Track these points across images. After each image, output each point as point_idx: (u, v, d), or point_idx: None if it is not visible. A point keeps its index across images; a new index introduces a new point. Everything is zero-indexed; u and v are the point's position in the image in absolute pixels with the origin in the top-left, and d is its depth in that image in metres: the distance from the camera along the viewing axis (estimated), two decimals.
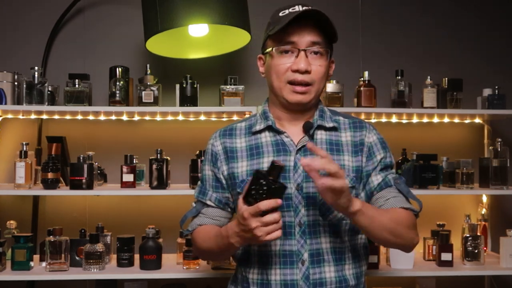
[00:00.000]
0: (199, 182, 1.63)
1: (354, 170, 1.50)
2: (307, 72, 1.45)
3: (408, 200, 1.50)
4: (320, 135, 1.52)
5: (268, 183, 1.27)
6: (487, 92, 2.61)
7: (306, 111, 1.53)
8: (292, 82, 1.46)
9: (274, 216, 1.28)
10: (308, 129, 1.49)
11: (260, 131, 1.54)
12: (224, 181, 1.55)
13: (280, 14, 1.46)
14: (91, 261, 2.26)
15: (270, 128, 1.53)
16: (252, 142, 1.54)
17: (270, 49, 1.48)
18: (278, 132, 1.52)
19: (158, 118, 2.65)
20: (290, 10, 1.45)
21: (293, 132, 1.52)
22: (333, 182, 1.25)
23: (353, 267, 1.50)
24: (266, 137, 1.53)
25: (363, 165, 1.51)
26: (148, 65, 2.48)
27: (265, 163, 1.48)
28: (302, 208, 1.46)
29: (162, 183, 2.37)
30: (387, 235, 1.41)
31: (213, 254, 1.57)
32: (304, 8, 1.43)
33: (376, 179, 1.51)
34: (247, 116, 2.46)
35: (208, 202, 1.58)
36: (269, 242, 1.45)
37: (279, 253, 1.46)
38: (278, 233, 1.29)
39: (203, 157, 1.66)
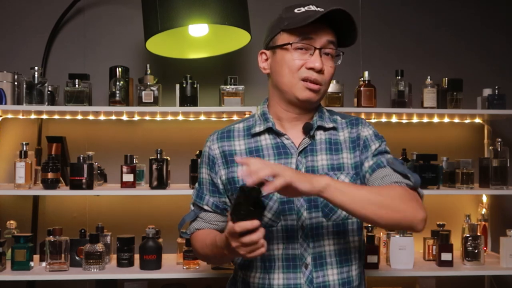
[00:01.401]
0: (196, 184, 1.61)
1: (353, 167, 1.48)
2: (320, 71, 1.44)
3: (407, 178, 1.41)
4: (320, 135, 1.51)
5: (247, 204, 1.23)
6: (487, 92, 2.61)
7: (308, 112, 1.52)
8: (306, 79, 1.44)
9: (252, 237, 1.23)
10: (308, 130, 1.49)
11: (259, 133, 1.52)
12: (221, 186, 1.53)
13: (296, 11, 1.46)
14: (91, 261, 2.26)
15: (270, 130, 1.51)
16: (252, 145, 1.51)
17: (286, 43, 1.45)
18: (278, 134, 1.51)
19: (158, 118, 2.65)
20: (306, 8, 1.45)
21: (294, 134, 1.51)
22: (276, 184, 1.22)
23: (357, 267, 1.50)
24: (266, 140, 1.51)
25: (359, 159, 1.49)
26: (148, 65, 2.48)
27: None
28: (304, 212, 1.44)
29: (162, 183, 2.37)
30: (377, 209, 1.31)
31: (212, 260, 1.58)
32: (335, 7, 1.40)
33: (367, 163, 1.47)
34: (247, 116, 2.46)
35: (205, 207, 1.56)
36: (271, 246, 1.45)
37: (282, 257, 1.45)
38: (261, 250, 1.26)
39: None
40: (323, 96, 1.50)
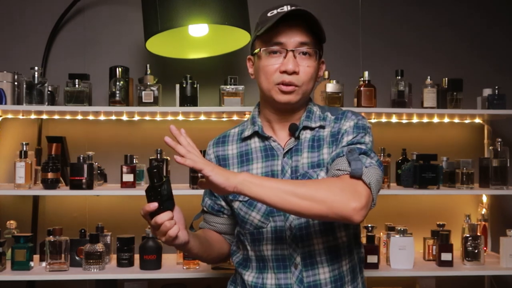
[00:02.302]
0: None
1: (330, 163, 1.43)
2: (295, 73, 1.43)
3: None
4: (305, 134, 1.50)
5: (149, 187, 1.29)
6: (487, 92, 2.61)
7: (295, 112, 1.51)
8: (280, 83, 1.44)
9: (155, 219, 1.29)
10: (293, 131, 1.49)
11: (249, 137, 1.54)
12: None
13: (269, 15, 1.44)
14: (91, 261, 2.26)
15: (258, 134, 1.53)
16: (243, 149, 1.54)
17: (258, 50, 1.47)
18: (264, 137, 1.52)
19: (158, 118, 2.65)
20: (279, 10, 1.43)
21: (282, 135, 1.51)
22: (186, 163, 1.30)
23: (348, 261, 1.49)
24: (255, 143, 1.53)
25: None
26: (148, 65, 2.48)
27: (254, 170, 1.49)
28: None
29: None
30: (299, 202, 1.27)
31: (195, 256, 1.61)
32: (291, 8, 1.41)
33: (333, 153, 1.42)
34: (247, 116, 2.47)
35: (204, 209, 1.64)
36: (262, 247, 1.47)
37: (272, 258, 1.47)
38: (168, 234, 1.30)
39: None
40: (303, 96, 1.47)
